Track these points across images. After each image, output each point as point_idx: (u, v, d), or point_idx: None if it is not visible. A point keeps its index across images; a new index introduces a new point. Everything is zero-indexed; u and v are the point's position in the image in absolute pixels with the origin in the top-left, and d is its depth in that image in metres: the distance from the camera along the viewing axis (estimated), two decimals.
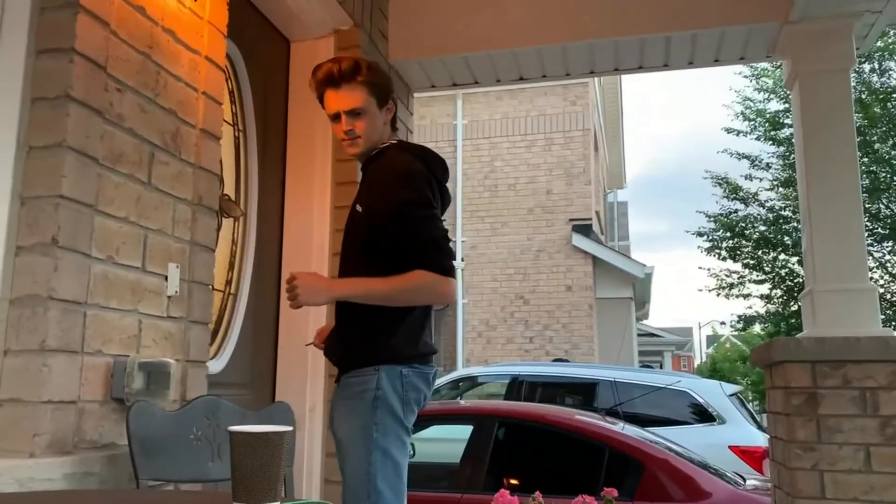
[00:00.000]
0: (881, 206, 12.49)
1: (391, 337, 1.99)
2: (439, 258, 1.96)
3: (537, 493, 3.14)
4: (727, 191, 13.76)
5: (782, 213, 13.29)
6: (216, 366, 2.67)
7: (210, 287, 2.26)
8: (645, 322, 19.87)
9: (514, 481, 3.79)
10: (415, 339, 2.02)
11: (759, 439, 5.51)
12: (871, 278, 11.84)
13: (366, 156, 2.11)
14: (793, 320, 12.96)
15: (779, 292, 13.52)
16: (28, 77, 1.73)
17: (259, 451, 1.16)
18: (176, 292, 2.07)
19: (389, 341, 1.98)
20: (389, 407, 1.93)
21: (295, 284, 1.92)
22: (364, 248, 2.02)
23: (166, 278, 2.04)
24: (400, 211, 1.96)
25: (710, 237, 13.89)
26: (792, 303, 13.22)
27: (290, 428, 1.22)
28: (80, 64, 1.74)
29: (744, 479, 3.91)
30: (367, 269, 1.99)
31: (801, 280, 12.51)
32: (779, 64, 11.92)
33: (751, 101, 13.80)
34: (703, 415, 6.00)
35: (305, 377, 3.08)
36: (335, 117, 2.07)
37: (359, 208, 2.05)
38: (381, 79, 2.10)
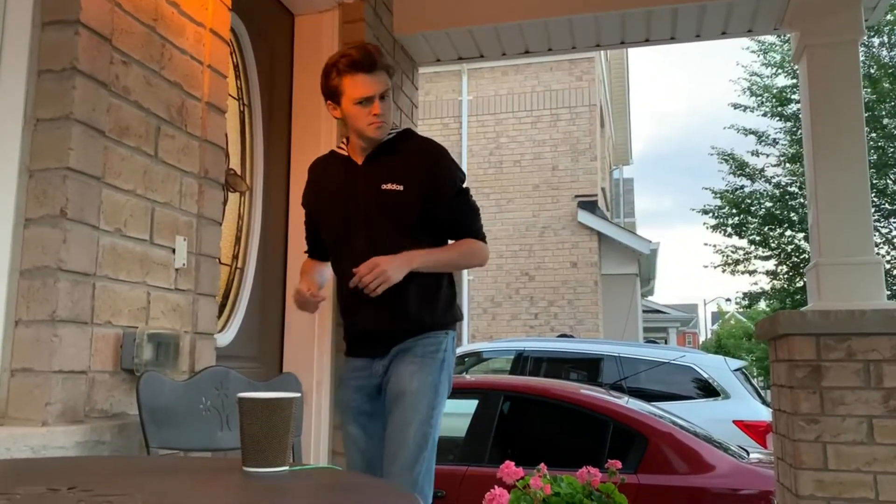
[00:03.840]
0: (888, 181, 12.43)
1: (454, 303, 2.25)
2: (481, 227, 2.26)
3: (542, 465, 3.17)
4: (733, 167, 13.70)
5: (789, 189, 13.24)
6: (224, 339, 2.69)
7: (217, 260, 2.28)
8: (650, 298, 19.90)
9: (519, 454, 3.82)
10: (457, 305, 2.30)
11: (763, 414, 5.54)
12: (878, 254, 11.81)
13: (380, 139, 2.19)
14: (798, 296, 12.95)
15: (784, 268, 13.51)
16: (34, 49, 1.73)
17: (268, 417, 1.18)
18: (183, 265, 2.09)
19: (455, 307, 2.26)
20: (449, 369, 2.17)
21: (383, 269, 2.02)
22: (414, 225, 2.15)
23: (174, 251, 2.06)
24: (458, 188, 2.21)
25: (716, 214, 13.85)
26: (798, 279, 13.21)
27: (299, 394, 1.24)
28: (85, 36, 1.74)
29: (747, 453, 3.94)
30: (418, 244, 2.14)
31: (806, 256, 12.49)
32: (786, 38, 11.80)
33: (758, 76, 13.69)
34: (708, 390, 6.03)
35: (312, 352, 3.10)
36: (366, 101, 2.12)
37: (396, 187, 2.13)
38: (392, 66, 2.26)
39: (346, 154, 2.26)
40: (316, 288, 2.20)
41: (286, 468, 1.21)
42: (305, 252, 2.45)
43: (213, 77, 2.26)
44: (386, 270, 2.02)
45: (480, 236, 2.24)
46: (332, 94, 2.17)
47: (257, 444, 1.19)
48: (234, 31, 2.82)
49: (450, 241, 2.28)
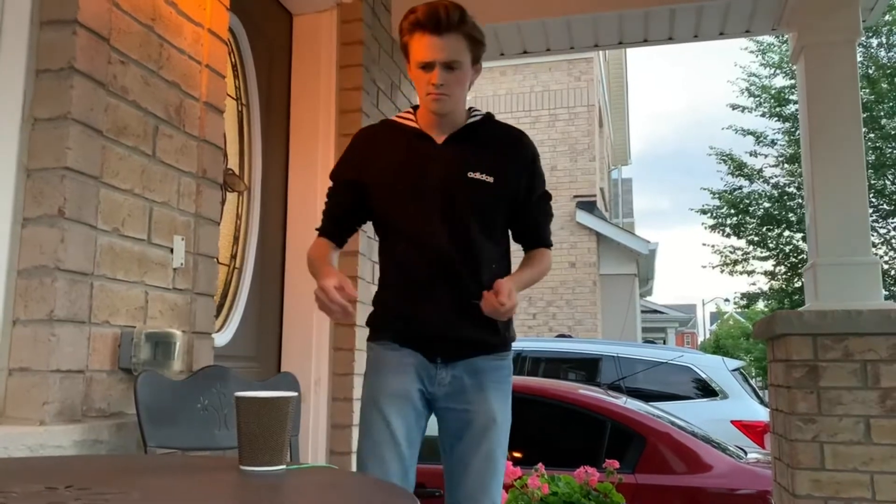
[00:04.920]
0: (887, 181, 12.46)
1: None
2: (551, 233, 2.09)
3: (540, 465, 3.18)
4: (731, 167, 13.72)
5: (787, 189, 13.26)
6: (222, 339, 2.70)
7: (215, 260, 2.28)
8: (648, 299, 19.91)
9: (517, 454, 3.83)
10: None
11: (761, 414, 5.55)
12: (876, 255, 11.84)
13: (450, 116, 1.94)
14: (796, 297, 12.98)
15: (783, 269, 13.54)
16: (32, 49, 1.73)
17: (264, 416, 1.19)
18: (181, 264, 2.09)
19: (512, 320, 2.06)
20: None
21: (513, 308, 1.84)
22: (497, 223, 1.97)
23: (171, 251, 2.06)
24: (544, 190, 2.04)
25: (715, 214, 13.88)
26: (796, 279, 13.24)
27: (296, 393, 1.25)
28: (83, 35, 1.74)
29: (745, 453, 3.95)
30: (500, 245, 1.99)
31: (805, 256, 12.50)
32: (784, 39, 11.81)
33: (756, 76, 13.71)
34: (706, 390, 6.04)
35: (310, 351, 3.10)
36: (427, 66, 1.86)
37: (486, 178, 1.90)
38: (480, 35, 1.92)
39: (415, 125, 1.97)
40: (350, 285, 1.80)
41: (283, 467, 1.22)
42: (317, 230, 2.07)
43: (211, 77, 2.26)
44: (512, 306, 1.83)
45: (550, 244, 2.06)
46: (404, 53, 1.93)
47: (254, 443, 1.20)
48: (233, 31, 2.83)
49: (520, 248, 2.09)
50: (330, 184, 2.10)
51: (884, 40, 12.28)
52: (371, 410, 1.91)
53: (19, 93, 1.72)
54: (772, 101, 13.40)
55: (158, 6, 2.04)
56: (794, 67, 3.31)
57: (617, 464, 3.20)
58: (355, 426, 2.76)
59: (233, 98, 2.87)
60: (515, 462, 3.14)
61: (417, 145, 1.95)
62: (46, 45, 1.73)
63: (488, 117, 2.03)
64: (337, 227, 2.06)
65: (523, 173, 1.97)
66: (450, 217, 1.89)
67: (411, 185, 1.92)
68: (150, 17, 2.00)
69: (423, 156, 1.93)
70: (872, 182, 11.97)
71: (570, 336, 9.43)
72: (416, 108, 2.02)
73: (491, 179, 1.90)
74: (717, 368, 6.19)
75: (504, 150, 1.96)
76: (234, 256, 2.89)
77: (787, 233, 13.34)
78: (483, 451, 1.90)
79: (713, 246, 14.41)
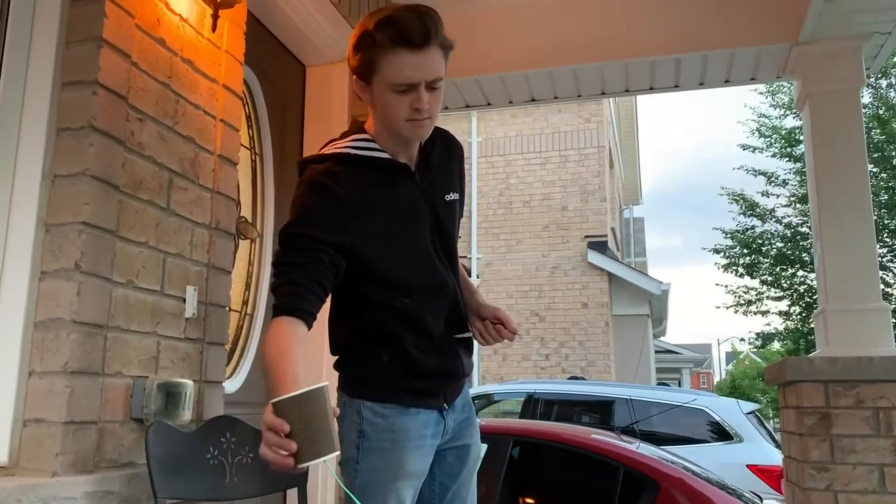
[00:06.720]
0: None
1: None
2: None
3: None
4: (743, 207, 13.72)
5: (800, 229, 13.22)
6: (232, 385, 2.72)
7: (226, 308, 2.31)
8: (662, 339, 19.76)
9: (529, 500, 3.79)
10: None
11: (777, 458, 5.47)
12: (892, 294, 11.76)
13: (420, 140, 1.67)
14: (812, 337, 12.84)
15: (797, 309, 13.42)
16: (53, 108, 1.80)
17: (303, 411, 1.24)
18: (193, 314, 2.12)
19: None
20: None
21: None
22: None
23: (184, 301, 2.09)
24: None
25: (727, 254, 13.84)
26: (811, 319, 13.11)
27: (326, 383, 1.29)
28: (102, 95, 1.81)
29: (761, 499, 3.89)
30: None
31: None
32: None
33: (766, 117, 13.79)
34: (721, 433, 5.98)
35: None
36: (409, 88, 1.52)
37: (456, 196, 1.72)
38: (450, 42, 1.59)
39: (386, 156, 1.64)
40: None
41: (337, 452, 1.26)
42: (283, 308, 1.53)
43: (225, 130, 2.32)
44: None
45: None
46: (361, 70, 1.57)
47: (304, 439, 1.23)
48: (247, 83, 2.90)
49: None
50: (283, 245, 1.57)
51: (893, 81, 12.34)
52: (388, 495, 1.61)
53: (40, 151, 1.78)
54: (782, 141, 13.45)
55: (175, 64, 2.11)
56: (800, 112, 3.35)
57: None
58: None
59: (246, 148, 2.94)
60: None
61: (398, 181, 1.65)
62: (67, 105, 1.80)
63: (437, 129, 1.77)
64: (318, 299, 1.54)
65: (463, 174, 1.79)
66: (444, 250, 1.69)
67: (409, 232, 1.65)
68: (167, 74, 2.07)
69: (409, 192, 1.65)
70: (886, 221, 11.92)
71: (583, 378, 9.36)
72: (360, 128, 1.69)
73: (457, 196, 1.72)
74: (731, 411, 6.13)
75: (450, 156, 1.76)
76: (245, 302, 2.92)
77: (801, 272, 13.27)
78: (474, 482, 1.84)
79: (727, 286, 14.33)
